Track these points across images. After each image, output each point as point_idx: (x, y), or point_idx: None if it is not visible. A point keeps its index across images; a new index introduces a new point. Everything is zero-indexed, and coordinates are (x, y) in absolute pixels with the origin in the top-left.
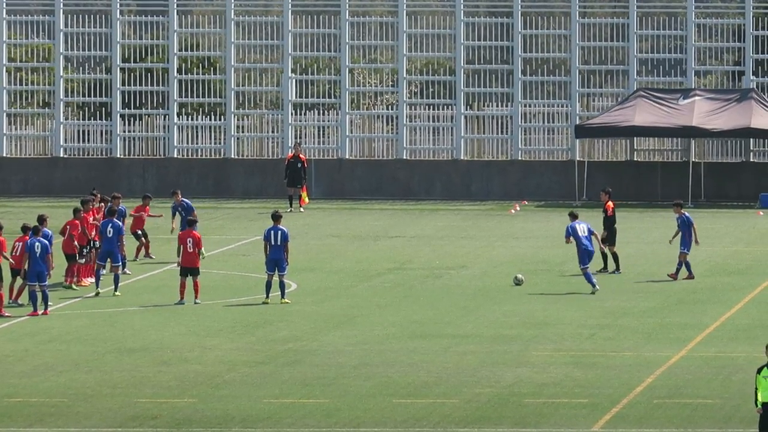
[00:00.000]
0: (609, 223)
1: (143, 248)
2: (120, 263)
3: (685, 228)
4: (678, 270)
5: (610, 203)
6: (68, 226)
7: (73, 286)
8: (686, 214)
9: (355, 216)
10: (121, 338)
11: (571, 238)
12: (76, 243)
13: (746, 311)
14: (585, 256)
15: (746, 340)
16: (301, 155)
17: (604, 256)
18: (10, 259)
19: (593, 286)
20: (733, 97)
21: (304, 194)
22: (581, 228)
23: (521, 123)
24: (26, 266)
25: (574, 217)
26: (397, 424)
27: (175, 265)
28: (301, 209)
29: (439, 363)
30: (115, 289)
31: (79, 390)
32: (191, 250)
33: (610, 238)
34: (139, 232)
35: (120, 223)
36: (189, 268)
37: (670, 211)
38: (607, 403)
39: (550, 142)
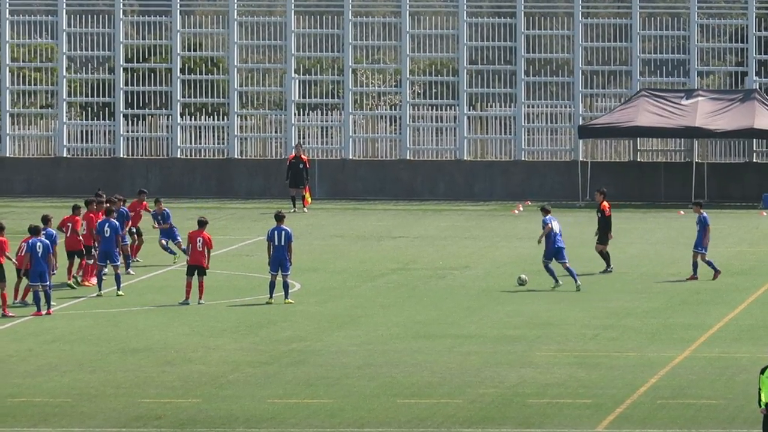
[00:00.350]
0: (606, 223)
1: (136, 248)
2: (118, 263)
3: (702, 228)
4: (716, 269)
5: (606, 203)
6: (69, 223)
7: (73, 283)
8: (704, 214)
9: (358, 216)
10: (124, 338)
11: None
12: (81, 238)
13: (750, 312)
14: (553, 252)
15: (750, 341)
16: (302, 156)
17: (603, 255)
18: (13, 260)
19: (556, 281)
20: (737, 97)
21: (307, 195)
22: (555, 225)
23: (524, 123)
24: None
25: (546, 212)
26: (401, 425)
27: (185, 262)
28: (305, 210)
29: (442, 363)
30: (118, 289)
31: (82, 390)
32: (200, 249)
33: (602, 237)
34: (133, 229)
35: (117, 223)
36: (196, 267)
37: (673, 212)
38: (610, 403)
39: (554, 142)
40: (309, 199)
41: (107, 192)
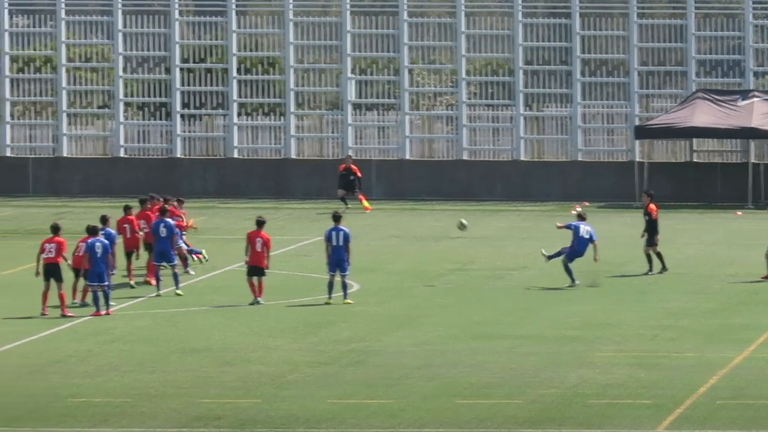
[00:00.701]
0: (653, 225)
1: None
2: (174, 263)
3: None
4: None
5: (653, 206)
6: (125, 225)
7: (133, 284)
8: None
9: (415, 217)
10: (184, 338)
11: (570, 232)
12: (141, 234)
13: None
14: (573, 255)
15: None
16: (353, 166)
17: (648, 258)
18: (68, 260)
19: (573, 280)
20: None
21: (364, 202)
22: (584, 230)
23: (581, 124)
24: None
25: (581, 218)
26: (462, 425)
27: (244, 262)
28: (367, 212)
29: (502, 364)
30: (176, 288)
31: (143, 390)
32: (259, 249)
33: (650, 239)
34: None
35: (172, 222)
36: (256, 268)
37: (729, 213)
38: (670, 404)
39: (610, 143)
40: (367, 204)
41: (164, 192)
